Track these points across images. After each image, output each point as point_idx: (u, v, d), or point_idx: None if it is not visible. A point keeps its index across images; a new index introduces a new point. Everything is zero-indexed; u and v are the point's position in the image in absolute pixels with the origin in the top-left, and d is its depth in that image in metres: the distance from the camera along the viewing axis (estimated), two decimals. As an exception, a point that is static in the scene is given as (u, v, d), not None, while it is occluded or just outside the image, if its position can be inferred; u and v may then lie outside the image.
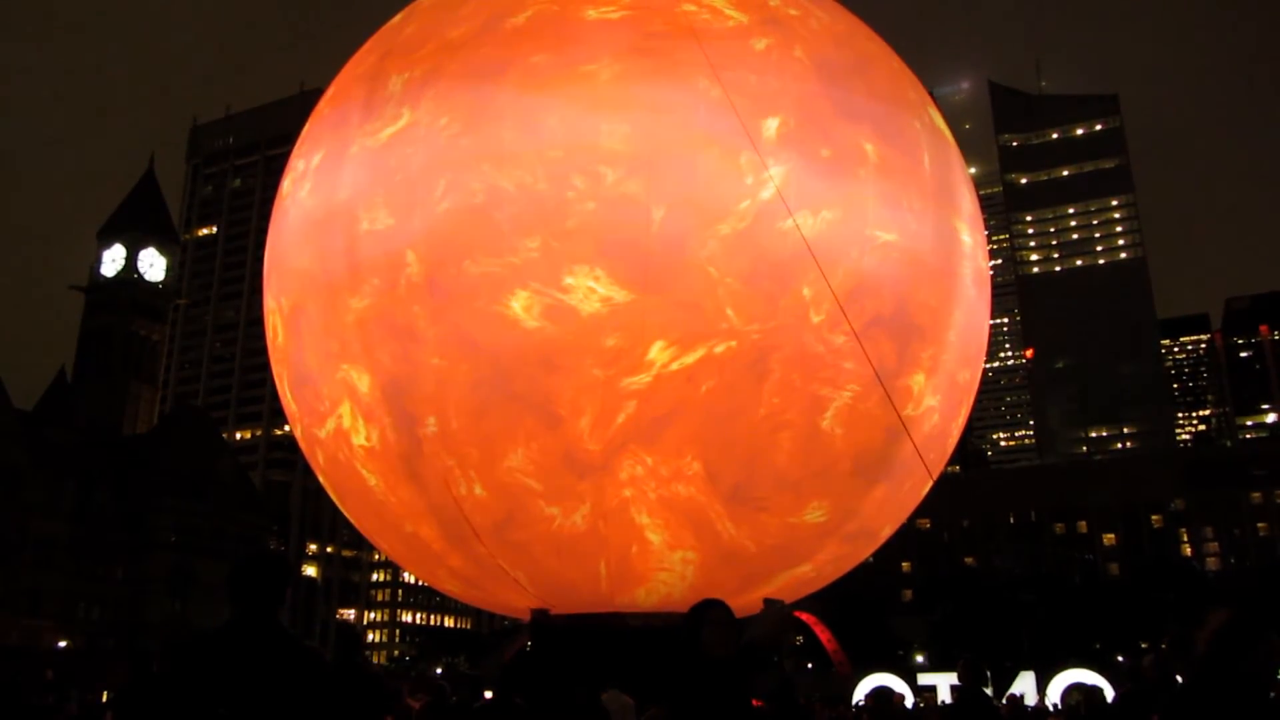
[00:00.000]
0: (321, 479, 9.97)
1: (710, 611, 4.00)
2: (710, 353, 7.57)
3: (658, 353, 7.52)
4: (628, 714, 7.62)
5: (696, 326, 7.52)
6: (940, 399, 8.83)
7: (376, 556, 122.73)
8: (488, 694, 9.28)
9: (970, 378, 9.62)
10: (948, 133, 9.83)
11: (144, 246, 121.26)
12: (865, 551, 9.78)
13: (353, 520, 10.17)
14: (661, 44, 8.01)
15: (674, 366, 7.49)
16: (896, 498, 9.09)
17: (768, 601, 3.81)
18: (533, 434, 7.76)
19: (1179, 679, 5.78)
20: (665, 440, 7.72)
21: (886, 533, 9.65)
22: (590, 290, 7.45)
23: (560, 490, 7.89)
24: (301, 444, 10.00)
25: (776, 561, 8.79)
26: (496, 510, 8.17)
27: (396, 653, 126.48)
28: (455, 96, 8.13)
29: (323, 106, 9.82)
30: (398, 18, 9.92)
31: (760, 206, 7.68)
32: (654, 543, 8.12)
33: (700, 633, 3.91)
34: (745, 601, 9.33)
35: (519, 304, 7.54)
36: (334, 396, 8.53)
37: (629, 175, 7.62)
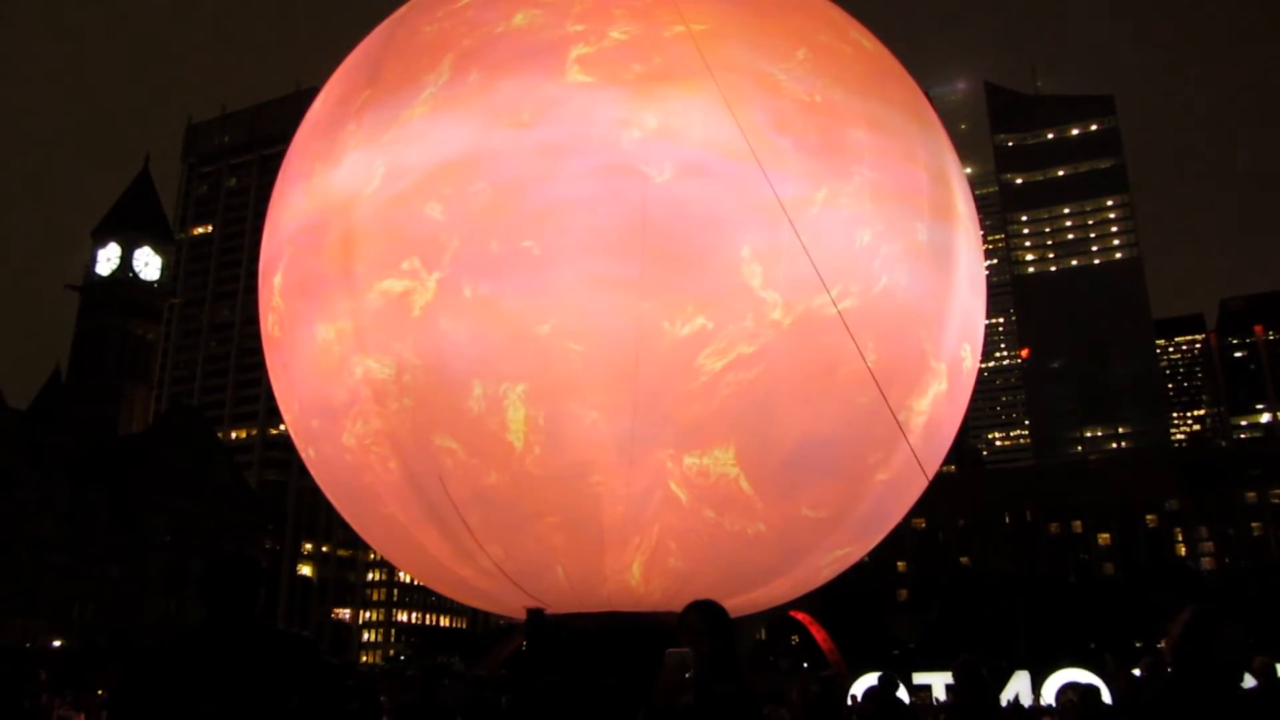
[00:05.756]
0: (315, 472, 9.83)
1: (684, 618, 4.13)
2: (752, 350, 7.67)
3: (704, 351, 7.61)
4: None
5: (738, 323, 7.63)
6: (940, 399, 8.95)
7: (372, 556, 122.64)
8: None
9: (966, 378, 9.69)
10: (944, 133, 9.91)
11: (139, 246, 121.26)
12: (871, 543, 9.90)
13: (347, 517, 10.11)
14: (681, 47, 8.10)
15: (718, 364, 7.58)
16: (903, 492, 9.27)
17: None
18: (577, 427, 7.79)
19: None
20: (705, 434, 7.82)
21: (891, 525, 9.79)
22: (632, 284, 7.52)
23: (602, 481, 7.92)
24: (297, 439, 9.90)
25: (796, 553, 8.90)
26: (526, 505, 8.17)
27: (392, 652, 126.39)
28: (506, 83, 8.14)
29: (345, 86, 9.52)
30: None
31: (816, 213, 7.87)
32: (686, 538, 8.16)
33: (680, 640, 4.02)
34: (757, 597, 9.44)
35: (566, 289, 7.59)
36: (352, 386, 8.38)
37: (676, 174, 7.74)
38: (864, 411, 7.95)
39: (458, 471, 8.09)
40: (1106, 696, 14.54)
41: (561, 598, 9.01)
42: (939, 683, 32.91)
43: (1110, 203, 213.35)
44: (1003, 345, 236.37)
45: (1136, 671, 9.79)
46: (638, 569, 8.31)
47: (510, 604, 9.64)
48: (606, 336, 7.61)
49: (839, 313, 7.44)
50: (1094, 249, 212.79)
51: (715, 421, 7.70)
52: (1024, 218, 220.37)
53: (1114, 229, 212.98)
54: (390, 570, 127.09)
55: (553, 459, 7.82)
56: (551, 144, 7.82)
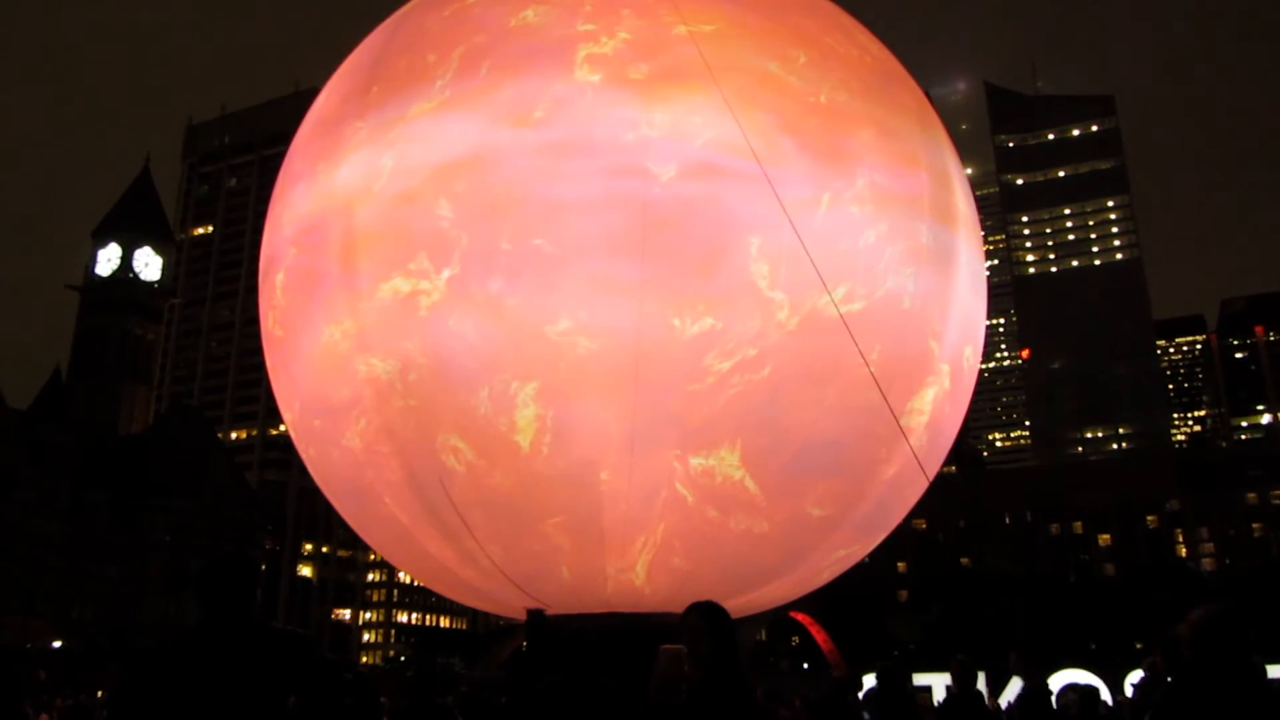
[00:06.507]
0: (316, 472, 9.80)
1: (685, 619, 4.16)
2: (759, 351, 7.68)
3: (711, 352, 7.62)
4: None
5: (746, 323, 7.64)
6: (942, 400, 8.97)
7: (372, 556, 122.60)
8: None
9: (968, 378, 9.70)
10: (946, 135, 9.92)
11: (139, 246, 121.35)
12: (873, 543, 9.92)
13: (347, 517, 10.09)
14: (682, 48, 8.13)
15: (725, 365, 7.58)
16: (905, 491, 9.30)
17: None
18: (585, 426, 7.79)
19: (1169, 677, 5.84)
20: (711, 435, 7.83)
21: (893, 524, 9.81)
22: (642, 283, 7.54)
23: (609, 480, 7.91)
24: (297, 439, 9.86)
25: (799, 552, 8.92)
26: (531, 505, 8.17)
27: (392, 653, 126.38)
28: (515, 81, 8.14)
29: (349, 83, 9.45)
30: None
31: (821, 214, 7.89)
32: (690, 537, 8.16)
33: (682, 640, 4.05)
34: (758, 597, 9.44)
35: (578, 287, 7.60)
36: (355, 386, 8.35)
37: (684, 173, 7.75)
38: (868, 412, 7.96)
39: (463, 471, 8.08)
40: (1106, 696, 14.54)
41: (563, 598, 9.01)
42: (939, 684, 32.90)
43: (1110, 203, 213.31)
44: (1003, 346, 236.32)
45: (1139, 672, 9.81)
46: (642, 569, 8.31)
47: (511, 604, 9.63)
48: (617, 335, 7.60)
49: (840, 315, 7.45)
50: (1094, 249, 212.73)
51: (721, 422, 7.70)
52: (1024, 218, 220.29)
53: (1114, 229, 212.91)
54: (390, 571, 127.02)
55: (560, 459, 7.81)
56: (561, 142, 7.81)
